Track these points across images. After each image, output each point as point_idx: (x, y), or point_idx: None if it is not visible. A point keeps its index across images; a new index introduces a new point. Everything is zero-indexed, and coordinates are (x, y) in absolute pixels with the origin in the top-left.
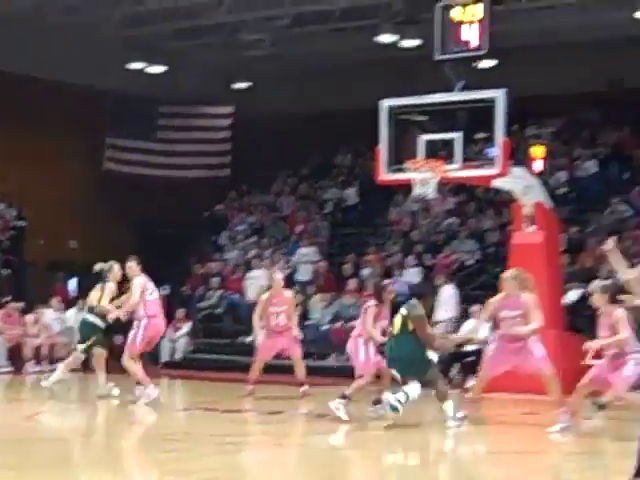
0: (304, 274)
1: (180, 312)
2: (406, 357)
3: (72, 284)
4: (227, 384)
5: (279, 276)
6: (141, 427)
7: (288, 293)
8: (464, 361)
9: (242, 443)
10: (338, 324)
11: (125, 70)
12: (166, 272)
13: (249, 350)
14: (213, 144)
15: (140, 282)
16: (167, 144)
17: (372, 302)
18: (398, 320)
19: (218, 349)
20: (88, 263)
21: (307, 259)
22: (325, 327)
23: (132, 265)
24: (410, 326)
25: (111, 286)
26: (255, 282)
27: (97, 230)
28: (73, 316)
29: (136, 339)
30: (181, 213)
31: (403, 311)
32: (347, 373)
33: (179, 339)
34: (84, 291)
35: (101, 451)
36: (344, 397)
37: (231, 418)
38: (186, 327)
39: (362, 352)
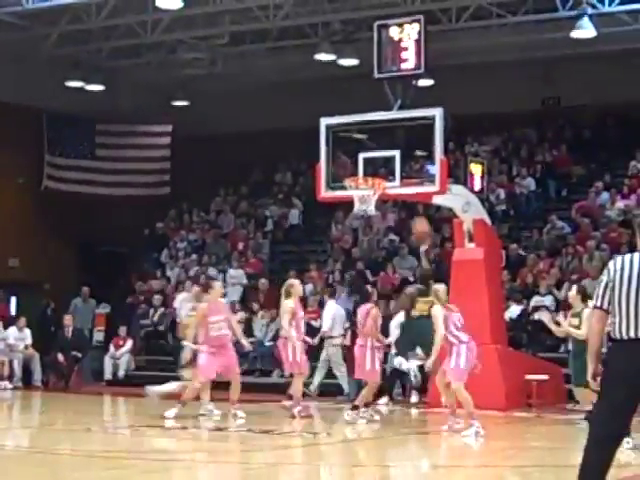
0: (232, 295)
1: (122, 330)
2: None
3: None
4: (170, 401)
5: (218, 284)
6: (84, 444)
7: (224, 302)
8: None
9: (187, 460)
10: (281, 341)
11: (63, 88)
12: (107, 290)
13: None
14: (152, 162)
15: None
16: (106, 162)
17: (370, 305)
18: None
19: (160, 366)
20: (28, 281)
21: (236, 281)
22: (268, 344)
23: None
24: None
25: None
26: (186, 305)
27: (38, 248)
28: (12, 335)
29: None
30: (122, 231)
31: None
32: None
33: (121, 357)
34: (24, 309)
35: (42, 468)
36: (355, 407)
37: (176, 435)
38: (128, 345)
39: (368, 360)
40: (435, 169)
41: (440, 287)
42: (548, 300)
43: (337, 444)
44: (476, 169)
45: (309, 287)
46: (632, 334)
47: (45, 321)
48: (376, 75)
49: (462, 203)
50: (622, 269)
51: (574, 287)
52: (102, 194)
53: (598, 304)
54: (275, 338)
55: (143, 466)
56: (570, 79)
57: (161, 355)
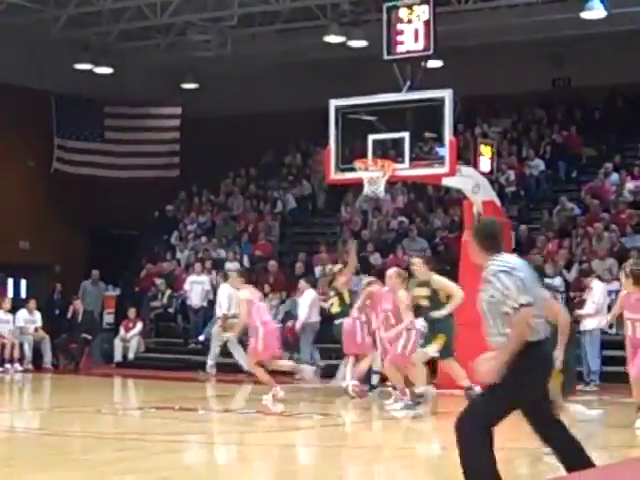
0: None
1: (131, 312)
2: None
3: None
4: (180, 383)
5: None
6: (95, 426)
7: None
8: None
9: (195, 442)
10: (289, 323)
11: (73, 71)
12: (117, 272)
13: (200, 349)
14: (161, 145)
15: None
16: (115, 145)
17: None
18: None
19: (170, 348)
20: (38, 264)
21: (202, 287)
22: (277, 326)
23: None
24: None
25: None
26: (199, 287)
27: (48, 231)
28: (23, 317)
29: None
30: (132, 213)
31: None
32: None
33: (131, 339)
34: (34, 292)
35: (52, 450)
36: (372, 387)
37: (185, 417)
38: (138, 327)
39: (358, 334)
40: (444, 151)
41: (391, 272)
42: (557, 281)
43: (346, 426)
44: (486, 151)
45: (318, 269)
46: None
47: (53, 304)
48: (385, 57)
49: (472, 185)
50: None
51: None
52: (112, 177)
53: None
54: (284, 320)
55: (152, 448)
56: (580, 60)
57: (171, 337)
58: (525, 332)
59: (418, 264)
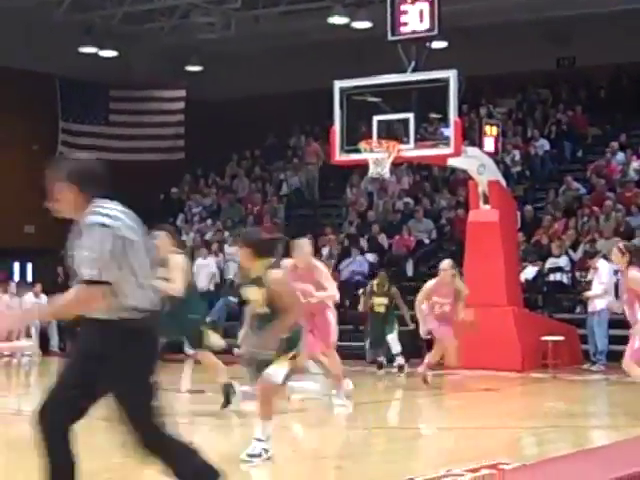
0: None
1: None
2: None
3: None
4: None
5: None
6: (101, 408)
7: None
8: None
9: (198, 424)
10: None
11: (77, 54)
12: None
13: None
14: (166, 127)
15: None
16: (120, 128)
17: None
18: None
19: None
20: (44, 248)
21: (207, 270)
22: None
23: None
24: None
25: None
26: (205, 270)
27: (53, 215)
28: (29, 301)
29: None
30: (137, 196)
31: None
32: None
33: None
34: (40, 276)
35: None
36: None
37: (189, 399)
38: None
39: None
40: (449, 131)
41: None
42: (563, 261)
43: (354, 406)
44: (491, 131)
45: (325, 251)
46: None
47: (59, 287)
48: (390, 38)
49: (477, 165)
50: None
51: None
52: (116, 160)
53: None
54: None
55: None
56: (585, 39)
57: None
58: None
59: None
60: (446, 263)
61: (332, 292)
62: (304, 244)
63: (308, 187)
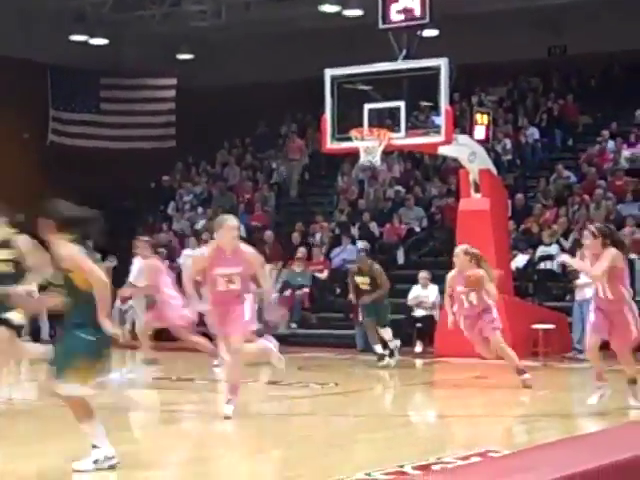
0: None
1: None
2: None
3: None
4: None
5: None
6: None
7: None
8: (416, 326)
9: (194, 412)
10: (287, 292)
11: (67, 42)
12: (113, 243)
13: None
14: (157, 116)
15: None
16: (111, 116)
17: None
18: None
19: None
20: (34, 237)
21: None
22: (274, 295)
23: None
24: None
25: None
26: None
27: (43, 203)
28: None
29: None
30: (127, 185)
31: None
32: (299, 341)
33: (128, 310)
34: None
35: (52, 421)
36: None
37: (182, 387)
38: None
39: None
40: (440, 119)
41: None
42: (554, 249)
43: (345, 395)
44: (481, 119)
45: (317, 237)
46: None
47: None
48: (381, 26)
49: (468, 153)
50: None
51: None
52: (107, 148)
53: None
54: (282, 290)
55: (153, 418)
56: (576, 27)
57: None
58: None
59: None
60: (458, 249)
61: (267, 286)
62: (225, 224)
63: (291, 183)
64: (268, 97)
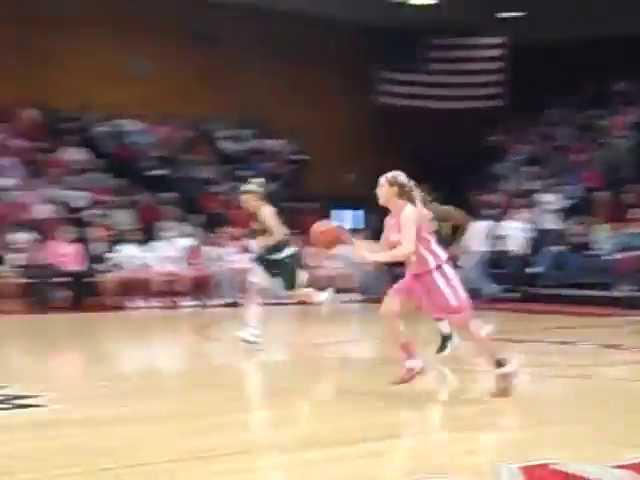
0: (549, 224)
1: None
2: None
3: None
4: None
5: None
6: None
7: None
8: None
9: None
10: (624, 254)
11: (391, 4)
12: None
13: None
14: (486, 75)
15: None
16: (439, 76)
17: None
18: None
19: None
20: (365, 197)
21: (550, 207)
22: (608, 257)
23: None
24: None
25: None
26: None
27: (373, 164)
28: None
29: None
30: (456, 145)
31: None
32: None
33: None
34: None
35: None
36: None
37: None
38: None
39: None
40: None
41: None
42: None
43: None
44: None
45: None
46: None
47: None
48: None
49: None
50: None
51: None
52: (435, 108)
53: None
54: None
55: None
56: None
57: None
58: None
59: None
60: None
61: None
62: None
63: (614, 166)
64: (599, 54)
